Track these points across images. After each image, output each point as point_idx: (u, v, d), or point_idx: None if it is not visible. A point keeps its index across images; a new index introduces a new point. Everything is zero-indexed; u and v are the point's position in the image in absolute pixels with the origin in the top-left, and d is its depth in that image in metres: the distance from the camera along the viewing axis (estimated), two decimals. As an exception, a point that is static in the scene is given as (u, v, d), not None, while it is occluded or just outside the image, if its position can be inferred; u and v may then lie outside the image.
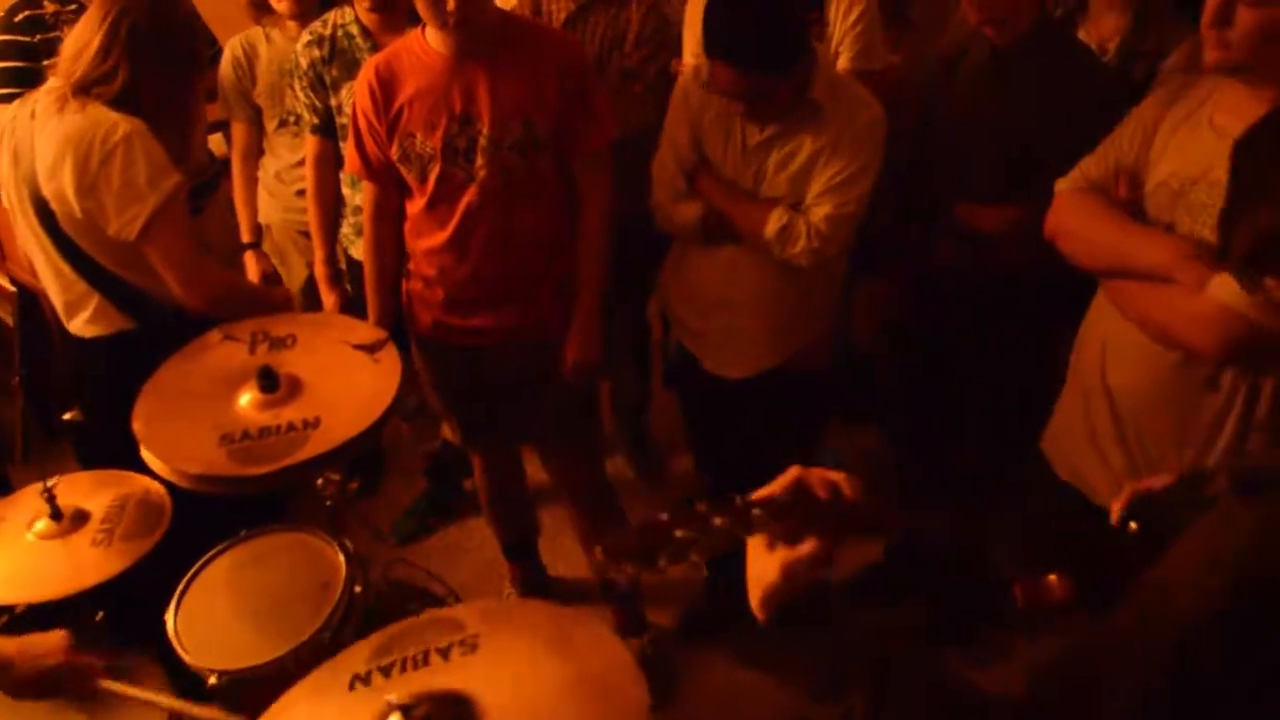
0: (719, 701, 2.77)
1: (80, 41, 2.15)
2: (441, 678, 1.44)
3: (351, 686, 1.48)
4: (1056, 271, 1.92)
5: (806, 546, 1.02)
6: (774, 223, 2.24)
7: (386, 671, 1.50)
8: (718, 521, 0.99)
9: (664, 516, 0.98)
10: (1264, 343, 1.55)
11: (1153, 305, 1.71)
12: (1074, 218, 1.87)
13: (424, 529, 3.36)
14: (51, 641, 1.70)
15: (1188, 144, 1.74)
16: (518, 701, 1.43)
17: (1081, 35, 2.50)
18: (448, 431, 2.91)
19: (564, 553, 3.17)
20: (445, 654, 1.52)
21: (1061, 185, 1.94)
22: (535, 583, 3.06)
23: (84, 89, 2.13)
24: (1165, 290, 1.67)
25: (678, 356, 2.69)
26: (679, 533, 0.97)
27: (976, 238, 2.38)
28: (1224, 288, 1.54)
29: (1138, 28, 2.46)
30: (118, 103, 2.13)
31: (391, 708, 1.22)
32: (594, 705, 1.44)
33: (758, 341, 2.46)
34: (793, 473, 1.06)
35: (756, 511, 1.00)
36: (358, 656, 1.56)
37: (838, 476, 1.06)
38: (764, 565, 1.03)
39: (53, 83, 2.19)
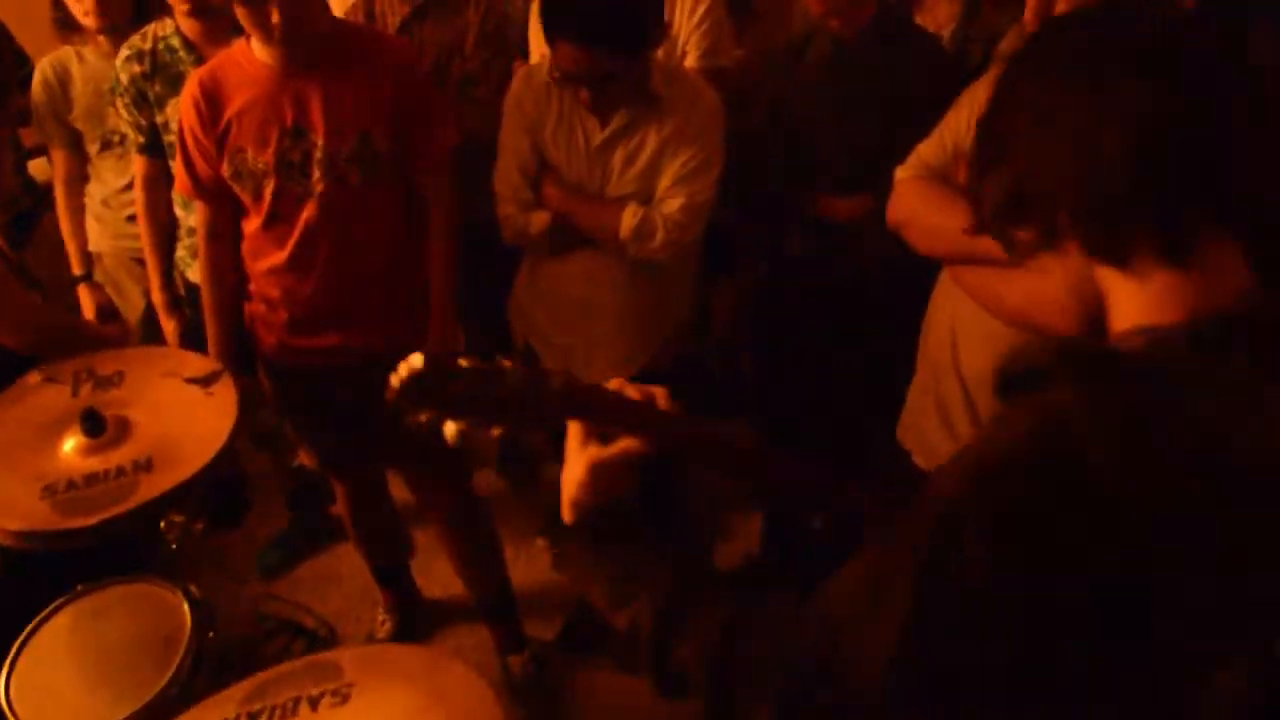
0: (605, 711, 2.74)
1: None
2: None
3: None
4: (908, 260, 1.92)
5: (616, 447, 1.06)
6: (628, 221, 2.21)
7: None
8: (513, 377, 1.02)
9: (464, 362, 1.01)
10: None
11: (1007, 291, 1.71)
12: (914, 205, 1.88)
13: (292, 560, 3.23)
14: None
15: None
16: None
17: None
18: (305, 456, 2.79)
19: (438, 574, 3.09)
20: (315, 704, 1.50)
21: (901, 173, 1.94)
22: (409, 608, 2.97)
23: None
24: (1019, 275, 1.66)
25: (537, 362, 2.64)
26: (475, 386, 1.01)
27: (829, 229, 2.38)
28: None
29: (969, 13, 2.50)
30: None
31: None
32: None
33: (623, 345, 2.42)
34: (615, 383, 1.11)
35: (556, 381, 1.04)
36: (229, 701, 1.54)
37: (656, 389, 1.10)
38: (575, 462, 1.07)
39: None
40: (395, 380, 1.01)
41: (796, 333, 2.56)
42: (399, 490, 2.87)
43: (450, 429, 1.03)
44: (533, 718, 2.71)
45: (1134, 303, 0.90)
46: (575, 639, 2.90)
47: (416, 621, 2.99)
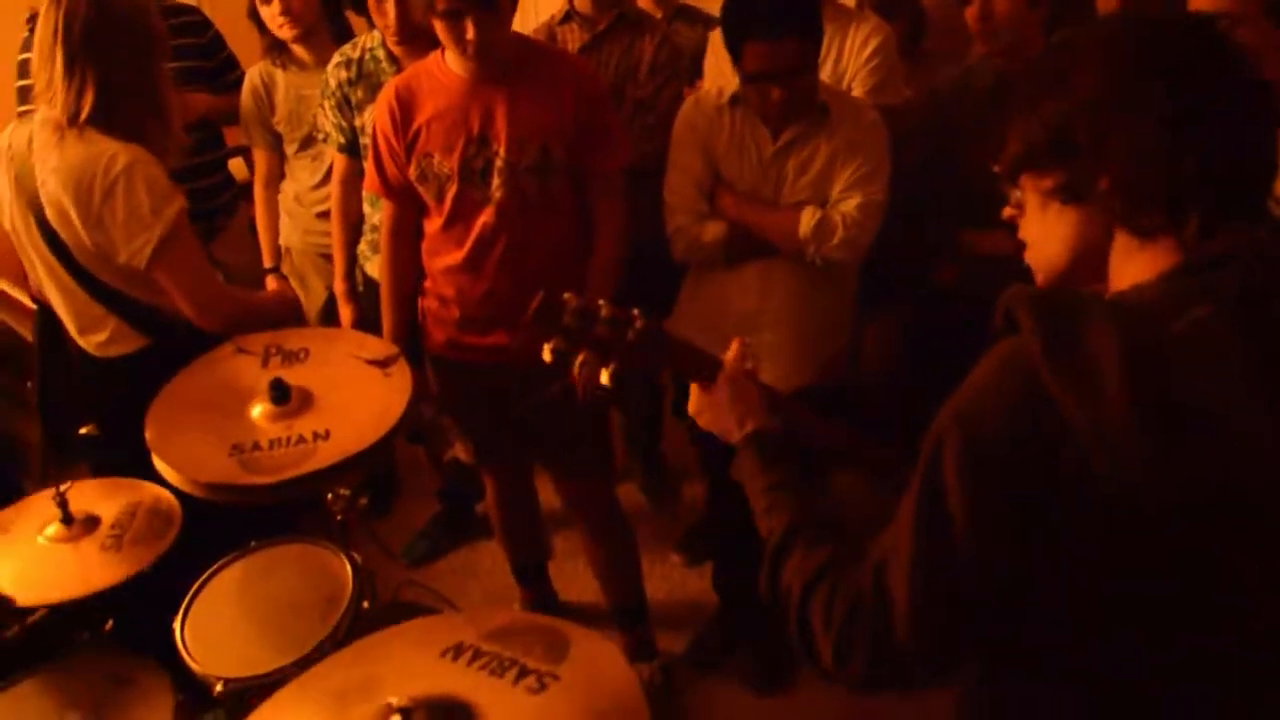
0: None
1: (41, 61, 2.13)
2: (451, 683, 1.41)
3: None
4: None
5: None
6: (807, 220, 2.28)
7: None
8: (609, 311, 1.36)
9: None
10: None
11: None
12: None
13: (436, 551, 3.36)
14: None
15: None
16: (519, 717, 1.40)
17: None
18: (461, 452, 2.91)
19: (575, 577, 3.17)
20: (520, 677, 1.43)
21: None
22: (545, 607, 3.05)
23: (73, 119, 2.12)
24: None
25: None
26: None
27: (981, 262, 2.39)
28: None
29: None
30: (112, 124, 2.13)
31: (392, 710, 1.22)
32: (590, 697, 1.40)
33: (787, 359, 2.44)
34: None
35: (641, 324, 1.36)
36: (470, 626, 1.54)
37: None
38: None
39: (45, 111, 2.18)
40: (534, 302, 1.34)
41: (949, 366, 2.56)
42: (545, 495, 2.96)
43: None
44: (659, 728, 2.75)
45: (1136, 264, 1.03)
46: (703, 654, 2.94)
47: (550, 622, 3.06)
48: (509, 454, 2.74)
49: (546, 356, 1.37)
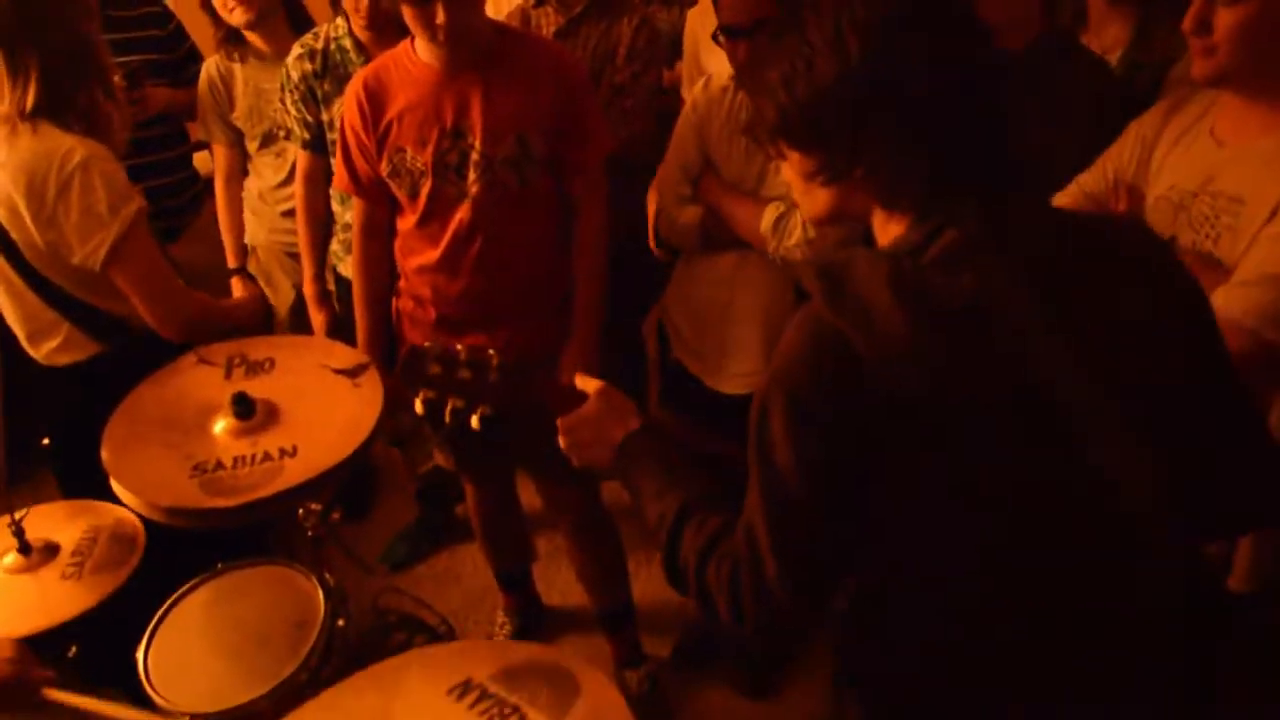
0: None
1: None
2: None
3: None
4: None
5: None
6: (769, 216, 2.19)
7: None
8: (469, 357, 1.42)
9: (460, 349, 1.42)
10: None
11: None
12: None
13: (416, 555, 3.28)
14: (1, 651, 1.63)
15: (1187, 156, 1.71)
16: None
17: (1082, 45, 2.44)
18: (440, 457, 2.82)
19: (559, 581, 3.10)
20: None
21: (1059, 200, 1.88)
22: (529, 612, 2.98)
23: (23, 113, 2.03)
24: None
25: (675, 374, 2.62)
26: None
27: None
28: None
29: (1140, 39, 2.40)
30: (65, 118, 2.05)
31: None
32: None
33: (753, 356, 2.39)
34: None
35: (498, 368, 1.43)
36: (486, 663, 1.49)
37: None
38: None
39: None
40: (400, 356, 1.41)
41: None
42: (527, 496, 2.88)
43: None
44: (648, 733, 2.69)
45: (892, 227, 1.15)
46: (689, 657, 2.87)
47: (535, 627, 2.99)
48: (489, 461, 2.66)
49: (418, 409, 1.43)
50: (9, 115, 2.04)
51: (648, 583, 3.11)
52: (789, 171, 1.21)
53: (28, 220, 2.03)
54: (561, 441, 1.44)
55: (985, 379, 1.05)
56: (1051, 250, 1.11)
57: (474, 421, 1.42)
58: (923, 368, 1.04)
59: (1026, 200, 1.14)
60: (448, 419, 1.42)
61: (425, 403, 1.41)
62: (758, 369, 2.39)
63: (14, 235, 2.07)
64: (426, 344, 1.44)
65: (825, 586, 1.18)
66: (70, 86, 2.06)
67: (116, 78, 2.22)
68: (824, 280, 1.08)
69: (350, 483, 3.37)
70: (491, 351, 1.43)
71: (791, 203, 2.20)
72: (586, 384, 1.44)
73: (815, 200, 1.19)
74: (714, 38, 2.17)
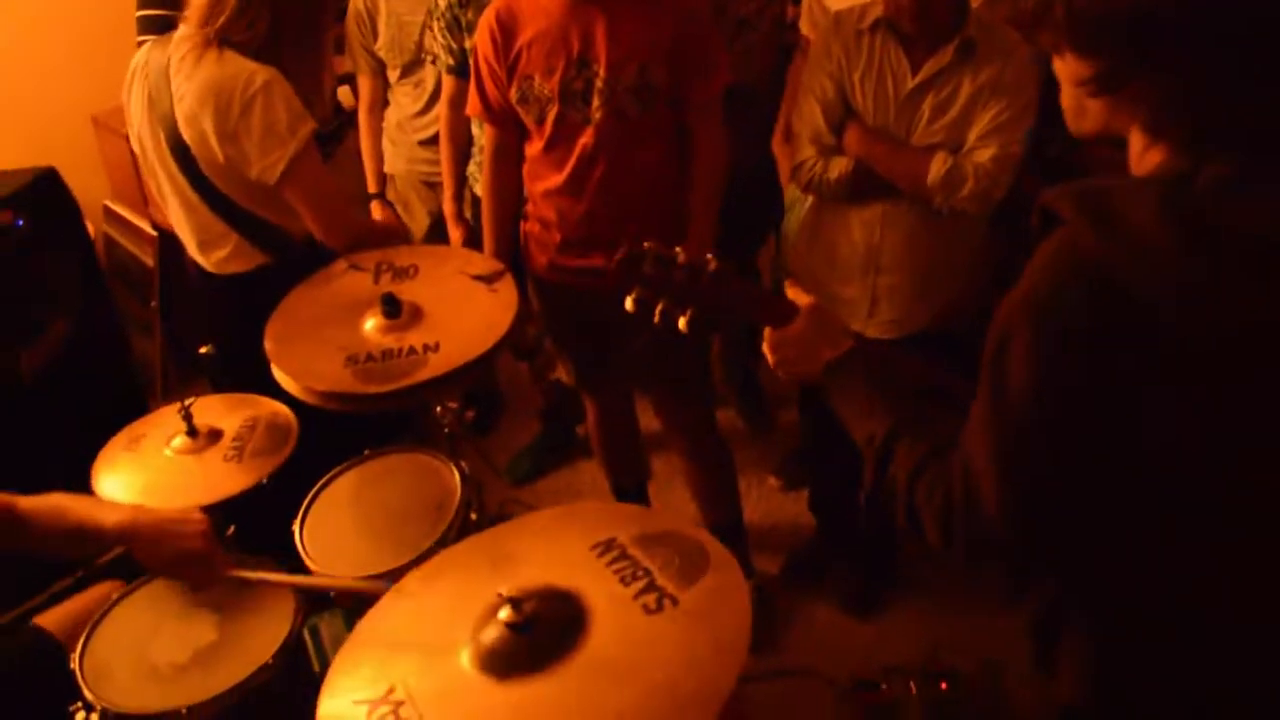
0: (821, 647, 2.80)
1: None
2: (580, 580, 1.43)
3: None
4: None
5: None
6: (937, 168, 2.20)
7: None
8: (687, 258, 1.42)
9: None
10: None
11: None
12: None
13: (537, 470, 3.44)
14: (193, 523, 1.80)
15: None
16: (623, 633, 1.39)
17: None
18: (563, 373, 2.96)
19: (674, 500, 3.20)
20: (652, 595, 1.42)
21: None
22: (643, 526, 3.11)
23: (223, 38, 2.19)
24: None
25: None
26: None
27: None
28: None
29: None
30: (256, 52, 2.20)
31: (502, 600, 1.27)
32: (699, 631, 1.38)
33: (902, 301, 2.43)
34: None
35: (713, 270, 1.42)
36: (631, 520, 1.56)
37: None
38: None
39: (185, 30, 2.25)
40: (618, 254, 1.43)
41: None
42: (645, 417, 3.00)
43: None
44: (753, 645, 2.79)
45: (1150, 157, 1.09)
46: (798, 572, 2.99)
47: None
48: (608, 377, 2.78)
49: (629, 306, 1.45)
50: (199, 40, 2.20)
51: (759, 503, 3.23)
52: (1061, 72, 1.15)
53: (211, 136, 2.20)
54: (768, 355, 1.44)
55: (1263, 307, 1.00)
56: None
57: (681, 323, 1.43)
58: (1193, 292, 0.99)
59: None
60: (656, 318, 1.44)
61: (636, 301, 1.44)
62: (904, 316, 2.43)
63: (194, 150, 2.24)
64: (646, 244, 1.45)
65: (1041, 521, 1.13)
66: (284, 56, 2.23)
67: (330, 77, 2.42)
68: (1084, 207, 1.03)
69: (478, 400, 3.57)
70: (710, 257, 1.44)
71: (953, 151, 2.22)
72: (798, 297, 1.44)
73: (1082, 111, 1.14)
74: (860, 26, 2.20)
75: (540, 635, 1.28)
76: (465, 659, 1.29)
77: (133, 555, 1.78)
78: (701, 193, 2.41)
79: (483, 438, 3.53)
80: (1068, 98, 1.15)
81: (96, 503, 1.81)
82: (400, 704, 1.26)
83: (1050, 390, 1.05)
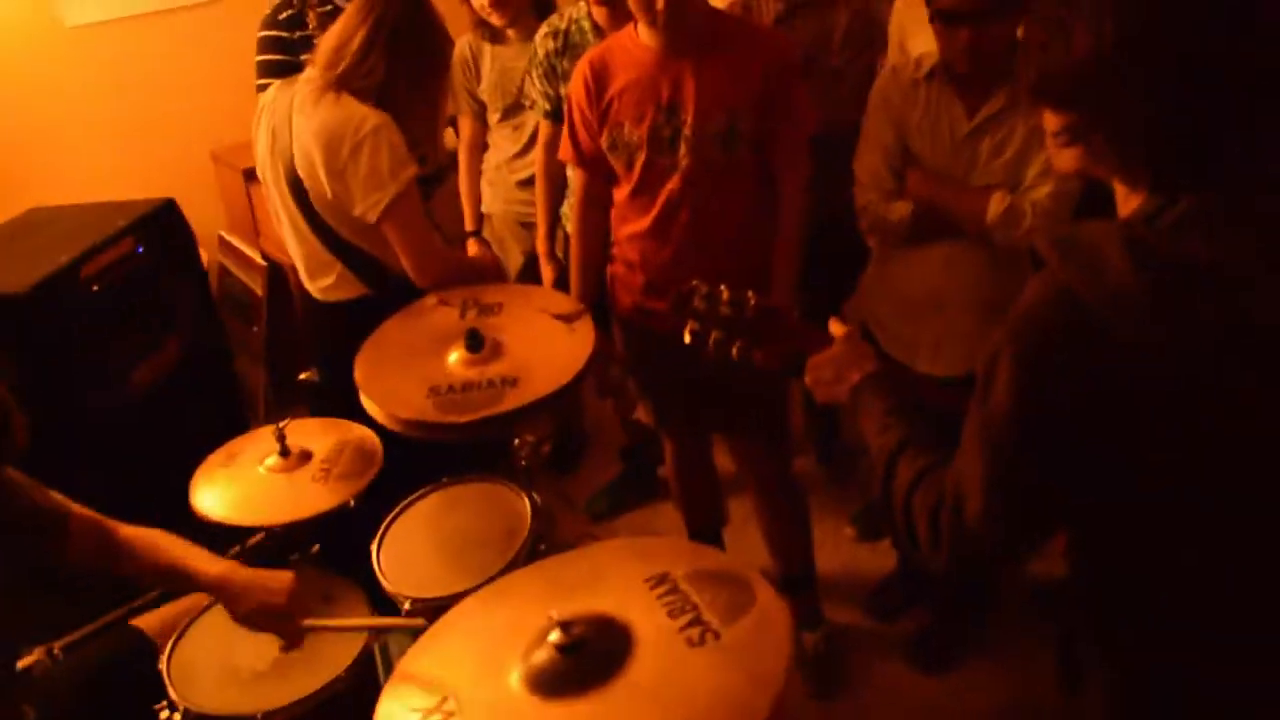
0: (885, 699, 2.78)
1: (341, 38, 2.34)
2: (630, 610, 1.48)
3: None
4: None
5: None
6: (996, 206, 2.24)
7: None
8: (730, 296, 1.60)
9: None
10: None
11: None
12: None
13: (617, 508, 3.50)
14: (280, 581, 1.89)
15: None
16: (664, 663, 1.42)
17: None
18: (643, 414, 3.02)
19: (748, 545, 3.20)
20: (698, 627, 1.46)
21: None
22: (717, 568, 3.13)
23: (343, 83, 2.33)
24: None
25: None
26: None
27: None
28: None
29: None
30: (374, 97, 2.33)
31: (552, 623, 1.33)
32: (736, 665, 1.40)
33: (970, 340, 2.43)
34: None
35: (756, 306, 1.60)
36: (677, 557, 1.60)
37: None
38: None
39: (310, 73, 2.41)
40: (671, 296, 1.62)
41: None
42: (725, 462, 3.04)
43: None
44: (818, 693, 2.80)
45: (1131, 202, 1.19)
46: (878, 607, 3.03)
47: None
48: (687, 419, 2.82)
49: (686, 338, 1.63)
50: (321, 84, 2.35)
51: (834, 553, 3.23)
52: (1046, 123, 1.26)
53: (321, 173, 2.33)
54: (807, 378, 1.56)
55: (1213, 331, 1.09)
56: None
57: (734, 351, 1.59)
58: (1148, 318, 1.09)
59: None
60: (711, 349, 1.60)
61: (692, 333, 1.62)
62: (969, 353, 2.40)
63: (308, 185, 2.38)
64: (695, 281, 1.62)
65: (1023, 533, 1.24)
66: (405, 88, 2.37)
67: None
68: (1057, 243, 1.15)
69: (562, 438, 3.65)
70: (750, 293, 1.60)
71: (1012, 189, 2.25)
72: (836, 328, 1.58)
73: (1060, 156, 1.26)
74: (931, 21, 2.23)
75: (586, 659, 1.33)
76: (515, 677, 1.35)
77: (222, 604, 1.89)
78: (784, 239, 2.45)
79: (565, 474, 3.61)
80: (1049, 144, 1.27)
81: (193, 549, 1.90)
82: (451, 715, 1.33)
83: (1030, 412, 1.16)
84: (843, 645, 2.92)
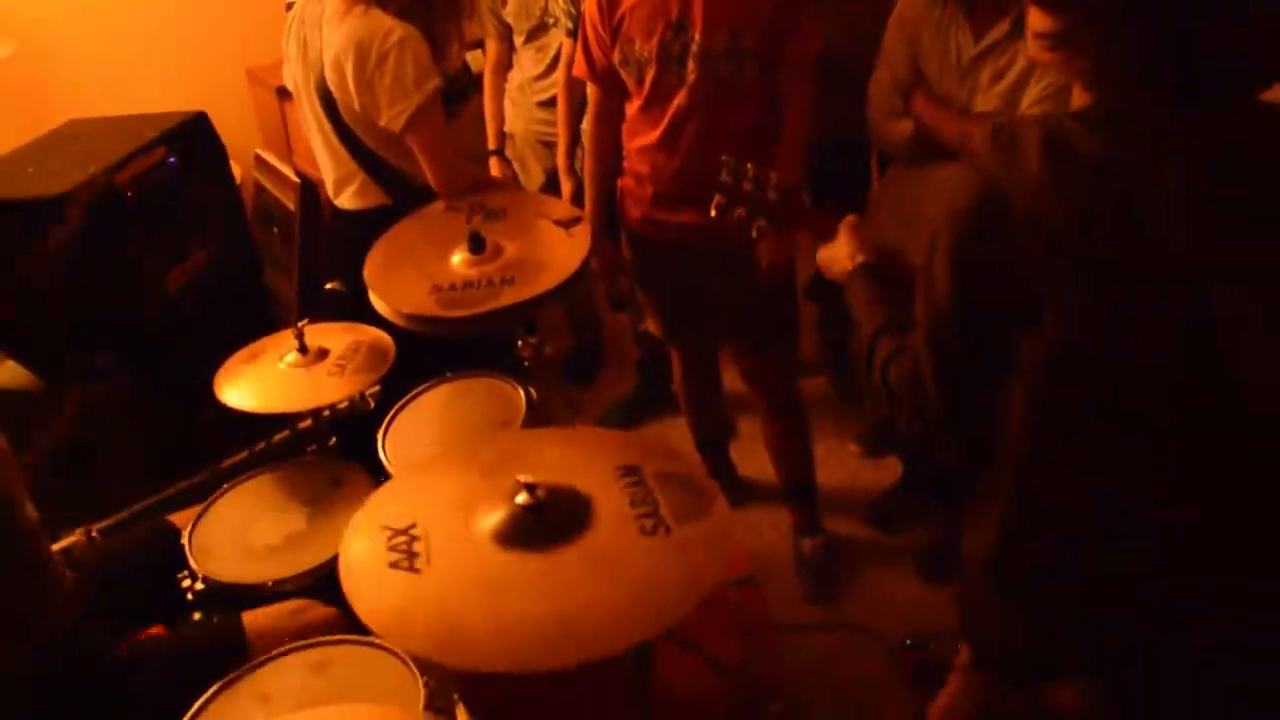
0: (884, 608, 2.87)
1: None
2: (594, 488, 1.58)
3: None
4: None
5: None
6: (984, 130, 2.27)
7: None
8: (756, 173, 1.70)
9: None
10: None
11: None
12: None
13: (630, 421, 3.60)
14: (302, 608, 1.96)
15: None
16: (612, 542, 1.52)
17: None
18: (652, 325, 3.11)
19: (754, 459, 3.29)
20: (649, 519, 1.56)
21: None
22: (723, 478, 3.24)
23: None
24: None
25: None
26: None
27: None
28: None
29: None
30: (398, 10, 2.41)
31: (520, 485, 1.45)
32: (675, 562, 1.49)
33: None
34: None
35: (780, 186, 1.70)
36: (649, 455, 1.72)
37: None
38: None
39: None
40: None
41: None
42: (734, 382, 3.11)
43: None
44: (812, 596, 2.92)
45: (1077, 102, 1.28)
46: (880, 513, 3.14)
47: (727, 494, 3.24)
48: (693, 330, 2.92)
49: (712, 212, 1.71)
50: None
51: (837, 468, 3.32)
52: (1031, 21, 1.31)
53: (349, 82, 2.42)
54: (817, 257, 1.70)
55: (1112, 234, 1.14)
56: (1250, 149, 1.18)
57: (753, 230, 1.70)
58: (1056, 209, 1.15)
59: (1246, 104, 1.19)
60: (734, 225, 1.71)
61: (717, 207, 1.71)
62: None
63: (335, 94, 2.48)
64: (725, 155, 1.71)
65: (969, 409, 1.32)
66: (428, 4, 2.47)
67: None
68: (991, 134, 1.25)
69: (578, 351, 3.77)
70: (773, 173, 1.70)
71: (1006, 118, 2.30)
72: (845, 219, 1.71)
73: (1038, 52, 1.31)
74: None
75: (545, 520, 1.45)
76: (480, 522, 1.48)
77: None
78: (787, 150, 2.51)
79: (581, 386, 3.72)
80: (1029, 42, 1.32)
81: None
82: (415, 539, 1.48)
83: (959, 288, 1.25)
84: (841, 554, 3.02)
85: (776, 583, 2.94)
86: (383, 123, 2.43)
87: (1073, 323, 1.18)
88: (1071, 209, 1.15)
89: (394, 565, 1.45)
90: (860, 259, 1.61)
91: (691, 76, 2.41)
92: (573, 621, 1.33)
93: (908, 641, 2.68)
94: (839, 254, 1.65)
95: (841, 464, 3.36)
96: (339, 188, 2.67)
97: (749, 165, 1.68)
